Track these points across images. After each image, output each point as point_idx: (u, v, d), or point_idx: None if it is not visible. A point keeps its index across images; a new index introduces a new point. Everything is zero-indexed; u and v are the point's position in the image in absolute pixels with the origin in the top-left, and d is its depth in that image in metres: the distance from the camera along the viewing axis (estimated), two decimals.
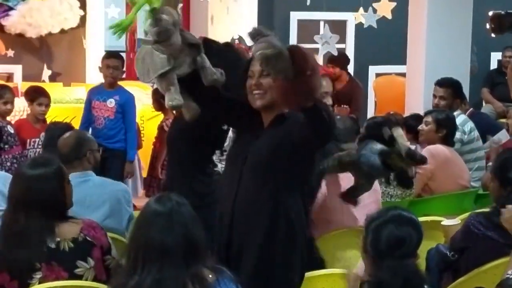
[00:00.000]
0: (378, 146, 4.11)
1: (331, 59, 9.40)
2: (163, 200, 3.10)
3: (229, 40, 9.16)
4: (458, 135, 6.48)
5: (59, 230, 3.58)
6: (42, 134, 6.82)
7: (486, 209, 4.35)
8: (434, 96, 7.08)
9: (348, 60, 9.61)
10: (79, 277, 3.55)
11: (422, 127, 6.30)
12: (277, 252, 3.62)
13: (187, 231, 3.03)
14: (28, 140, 7.22)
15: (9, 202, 3.64)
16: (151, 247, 2.99)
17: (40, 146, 7.02)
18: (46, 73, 11.64)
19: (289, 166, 3.60)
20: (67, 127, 5.80)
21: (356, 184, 4.25)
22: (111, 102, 7.23)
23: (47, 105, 7.42)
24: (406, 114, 7.75)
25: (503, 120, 8.46)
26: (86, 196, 4.42)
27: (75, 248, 3.56)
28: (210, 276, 3.01)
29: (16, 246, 3.51)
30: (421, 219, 3.60)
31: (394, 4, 9.09)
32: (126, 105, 7.30)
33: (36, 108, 7.32)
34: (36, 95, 7.40)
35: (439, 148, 6.09)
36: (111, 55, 7.60)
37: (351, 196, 4.30)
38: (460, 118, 6.81)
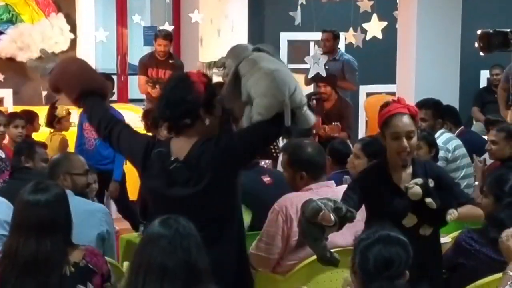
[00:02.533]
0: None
1: (322, 79, 9.43)
2: (170, 222, 3.13)
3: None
4: (442, 153, 6.50)
5: None
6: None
7: (478, 227, 4.37)
8: None
9: (336, 79, 9.66)
10: None
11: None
12: None
13: (190, 256, 3.06)
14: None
15: (17, 229, 3.57)
16: (152, 267, 3.02)
17: None
18: (42, 96, 11.63)
19: None
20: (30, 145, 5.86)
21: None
22: None
23: (24, 127, 7.42)
24: None
25: None
26: None
27: (76, 272, 3.55)
28: None
29: (25, 275, 3.48)
30: None
31: (384, 23, 9.14)
32: None
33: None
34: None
35: None
36: None
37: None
38: (444, 136, 6.84)
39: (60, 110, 8.33)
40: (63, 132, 8.32)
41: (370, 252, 3.15)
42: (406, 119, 4.04)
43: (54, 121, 8.37)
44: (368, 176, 4.25)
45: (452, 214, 3.90)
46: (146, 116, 7.80)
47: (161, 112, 3.92)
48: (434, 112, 7.10)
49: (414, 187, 3.92)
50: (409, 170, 4.10)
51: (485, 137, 7.57)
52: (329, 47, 10.20)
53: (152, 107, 7.30)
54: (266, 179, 5.20)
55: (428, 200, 3.90)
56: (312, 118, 3.92)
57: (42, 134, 8.50)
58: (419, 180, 3.95)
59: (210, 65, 3.95)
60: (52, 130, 8.36)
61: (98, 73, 4.55)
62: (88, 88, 4.21)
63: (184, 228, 3.11)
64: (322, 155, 4.89)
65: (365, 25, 9.31)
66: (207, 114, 3.87)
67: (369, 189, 4.11)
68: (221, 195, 3.85)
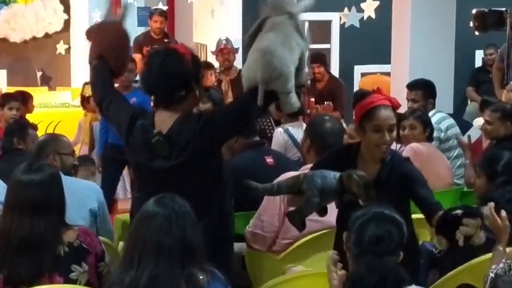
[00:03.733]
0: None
1: (315, 59, 9.41)
2: (165, 201, 3.14)
3: (215, 42, 9.18)
4: (434, 133, 6.49)
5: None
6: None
7: (472, 206, 4.37)
8: (407, 99, 7.08)
9: (325, 58, 9.66)
10: (74, 281, 3.55)
11: (408, 131, 6.19)
12: None
13: (185, 234, 3.07)
14: None
15: (11, 208, 3.57)
16: (148, 245, 3.05)
17: None
18: (37, 76, 11.63)
19: None
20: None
21: (304, 201, 3.86)
22: None
23: (18, 109, 7.40)
24: None
25: None
26: None
27: (70, 252, 3.57)
28: (201, 277, 3.05)
29: (20, 255, 3.49)
30: None
31: (377, 3, 9.11)
32: (144, 105, 7.25)
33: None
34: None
35: (422, 146, 6.09)
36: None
37: (296, 217, 3.95)
38: (436, 116, 6.84)
39: (87, 89, 8.33)
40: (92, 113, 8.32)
41: (363, 229, 3.21)
42: (388, 112, 3.93)
43: (84, 101, 8.39)
44: (333, 158, 4.17)
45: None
46: None
47: (153, 86, 3.97)
48: (425, 92, 7.07)
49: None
50: (378, 165, 3.99)
51: (477, 120, 7.60)
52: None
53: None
54: (269, 160, 5.20)
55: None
56: (296, 105, 3.97)
57: (35, 115, 8.48)
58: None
59: None
60: (84, 111, 8.40)
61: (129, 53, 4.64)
62: (108, 56, 4.29)
63: (180, 206, 3.13)
64: (336, 136, 4.86)
65: (363, 5, 9.29)
66: (196, 85, 3.98)
67: (331, 169, 3.97)
68: (201, 169, 3.92)
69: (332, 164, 4.03)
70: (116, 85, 7.36)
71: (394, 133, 3.99)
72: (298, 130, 6.57)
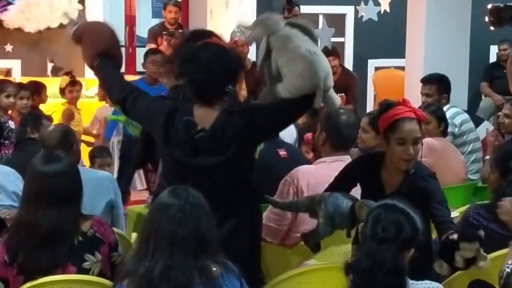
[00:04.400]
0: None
1: (330, 52, 9.40)
2: (179, 192, 3.14)
3: (229, 34, 9.15)
4: (449, 128, 6.48)
5: None
6: None
7: (485, 202, 4.36)
8: (421, 94, 7.07)
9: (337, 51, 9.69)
10: (87, 271, 3.56)
11: (422, 126, 6.14)
12: None
13: (199, 226, 3.08)
14: None
15: (32, 200, 3.57)
16: (162, 236, 3.06)
17: None
18: (49, 67, 11.63)
19: None
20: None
21: (317, 226, 3.99)
22: None
23: (29, 98, 7.38)
24: None
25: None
26: None
27: (83, 242, 3.57)
28: (215, 269, 3.05)
29: (42, 245, 3.50)
30: None
31: None
32: None
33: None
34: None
35: (436, 140, 6.07)
36: (157, 51, 7.57)
37: (311, 240, 4.04)
38: (451, 111, 6.82)
39: (62, 81, 8.34)
40: (71, 104, 8.32)
41: (371, 215, 3.25)
42: (413, 125, 3.94)
43: (61, 93, 8.40)
44: (356, 168, 4.22)
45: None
46: None
47: (203, 81, 3.83)
48: (439, 86, 7.06)
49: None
50: (401, 177, 4.00)
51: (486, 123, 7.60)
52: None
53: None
54: (282, 152, 5.19)
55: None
56: (337, 100, 4.04)
57: (49, 105, 8.50)
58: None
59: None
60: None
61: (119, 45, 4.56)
62: (109, 52, 4.26)
63: (194, 198, 3.14)
64: (351, 129, 4.84)
65: None
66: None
67: (356, 177, 4.13)
68: (243, 165, 3.93)
69: (355, 174, 4.06)
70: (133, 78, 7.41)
71: (419, 146, 3.98)
72: None
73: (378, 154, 4.17)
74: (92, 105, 9.25)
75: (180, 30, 9.90)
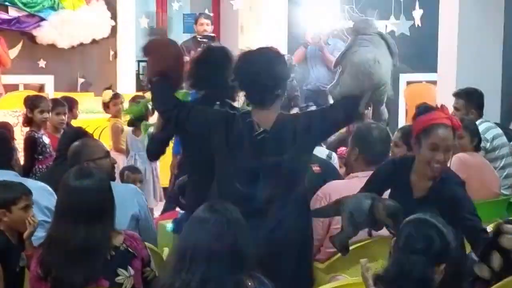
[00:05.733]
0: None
1: None
2: (217, 207, 3.16)
3: None
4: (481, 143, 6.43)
5: None
6: None
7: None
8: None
9: None
10: (119, 285, 3.57)
11: (456, 141, 6.10)
12: None
13: (236, 240, 3.08)
14: None
15: (65, 215, 3.59)
16: (199, 250, 3.05)
17: None
18: (79, 83, 11.73)
19: None
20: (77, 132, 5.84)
21: (341, 227, 4.05)
22: None
23: (65, 114, 7.40)
24: None
25: None
26: None
27: (116, 256, 3.59)
28: (250, 284, 3.05)
29: (75, 261, 3.51)
30: None
31: (421, 11, 9.05)
32: None
33: (54, 118, 7.28)
34: (54, 105, 7.32)
35: (469, 155, 6.03)
36: None
37: (337, 241, 4.05)
38: (483, 126, 6.76)
39: (105, 95, 8.45)
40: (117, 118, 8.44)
41: (403, 229, 3.24)
42: (448, 132, 3.90)
43: (105, 107, 8.51)
44: (391, 166, 4.22)
45: None
46: None
47: (258, 84, 4.02)
48: (467, 101, 7.01)
49: None
50: (430, 183, 3.99)
51: None
52: None
53: None
54: (316, 168, 5.19)
55: None
56: (386, 115, 4.26)
57: (80, 121, 8.55)
58: None
59: None
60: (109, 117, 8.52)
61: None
62: (169, 73, 4.37)
63: (232, 213, 3.14)
64: (383, 144, 4.84)
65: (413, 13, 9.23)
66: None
67: (387, 179, 4.13)
68: (301, 166, 4.15)
69: (386, 176, 4.04)
70: None
71: (450, 153, 3.96)
72: None
73: (409, 157, 4.17)
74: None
75: (212, 44, 9.92)
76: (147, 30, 4.31)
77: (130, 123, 7.94)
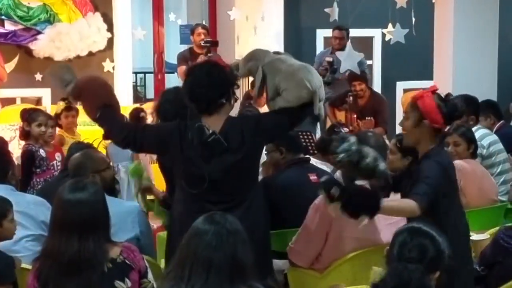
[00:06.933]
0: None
1: (355, 77, 9.42)
2: (216, 218, 3.17)
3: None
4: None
5: None
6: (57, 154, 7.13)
7: None
8: None
9: (366, 76, 9.70)
10: None
11: (452, 148, 6.12)
12: None
13: (235, 252, 3.09)
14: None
15: (59, 228, 3.59)
16: (199, 261, 3.06)
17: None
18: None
19: None
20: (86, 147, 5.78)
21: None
22: None
23: (47, 125, 7.21)
24: None
25: None
26: None
27: (113, 268, 3.59)
28: None
29: (71, 273, 3.51)
30: None
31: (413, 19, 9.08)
32: None
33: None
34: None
35: (465, 163, 6.03)
36: None
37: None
38: (479, 132, 6.77)
39: (58, 106, 8.17)
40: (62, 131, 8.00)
41: (397, 237, 3.27)
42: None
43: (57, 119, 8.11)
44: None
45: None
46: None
47: (200, 93, 4.31)
48: (465, 108, 7.01)
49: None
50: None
51: None
52: (342, 44, 10.20)
53: None
54: (313, 177, 5.20)
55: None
56: (322, 111, 4.47)
57: (80, 132, 8.51)
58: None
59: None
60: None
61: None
62: (108, 103, 4.55)
63: (231, 224, 3.15)
64: (380, 152, 4.84)
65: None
66: (233, 95, 4.42)
67: None
68: (252, 167, 4.44)
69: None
70: None
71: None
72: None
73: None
74: None
75: (209, 54, 9.95)
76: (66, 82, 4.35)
77: None
